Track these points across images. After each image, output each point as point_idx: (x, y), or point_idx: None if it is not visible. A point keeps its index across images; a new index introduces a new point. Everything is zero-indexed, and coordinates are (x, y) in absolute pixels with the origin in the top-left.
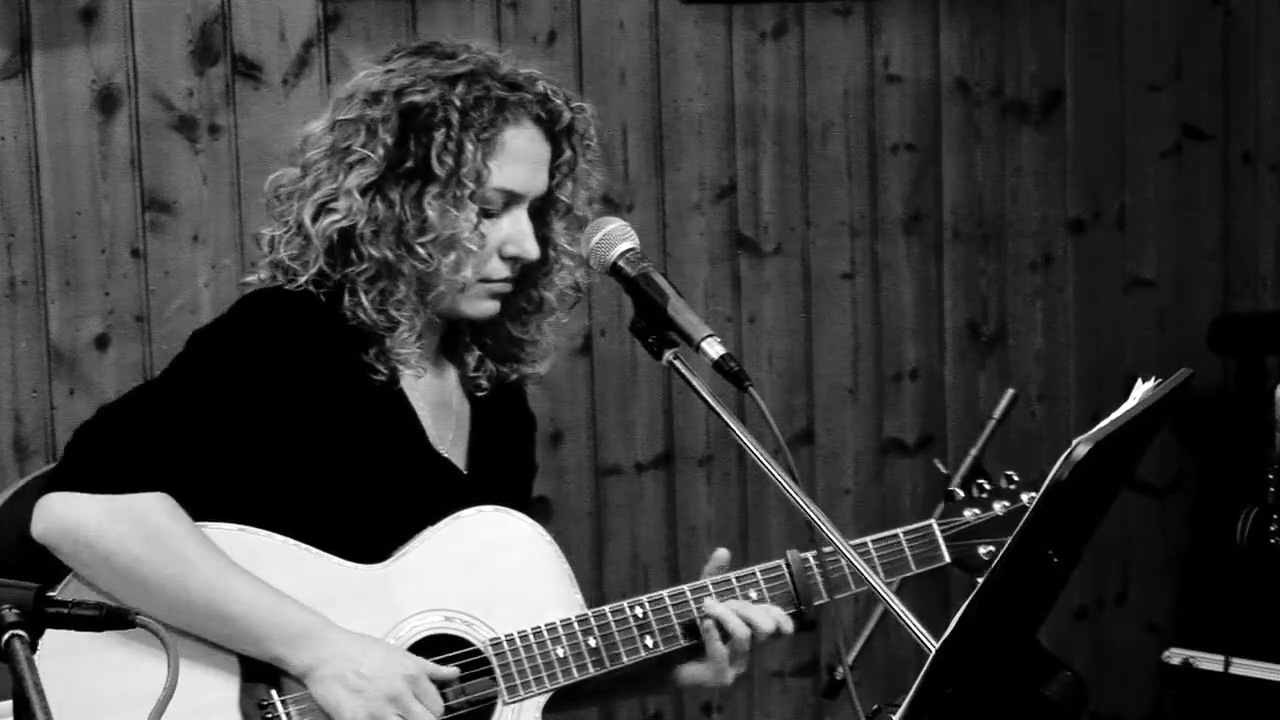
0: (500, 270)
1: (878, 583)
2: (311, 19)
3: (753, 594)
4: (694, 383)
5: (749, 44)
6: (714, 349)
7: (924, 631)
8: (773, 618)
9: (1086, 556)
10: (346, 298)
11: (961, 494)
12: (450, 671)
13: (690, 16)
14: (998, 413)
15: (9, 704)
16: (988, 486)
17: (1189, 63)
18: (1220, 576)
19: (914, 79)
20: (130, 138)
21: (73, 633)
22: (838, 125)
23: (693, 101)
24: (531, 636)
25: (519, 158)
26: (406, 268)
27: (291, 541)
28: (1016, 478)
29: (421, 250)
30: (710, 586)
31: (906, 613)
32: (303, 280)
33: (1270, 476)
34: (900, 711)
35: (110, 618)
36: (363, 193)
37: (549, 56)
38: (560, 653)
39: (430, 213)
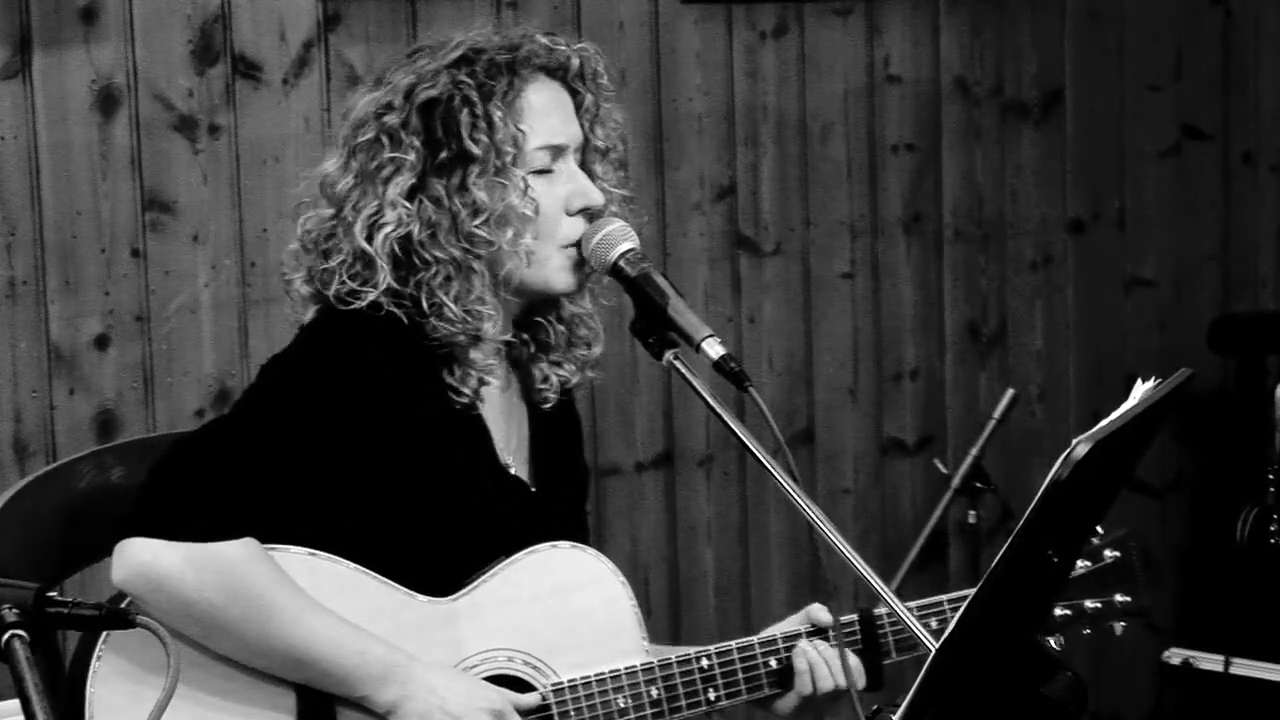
0: (577, 229)
1: (876, 581)
2: (311, 19)
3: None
4: (694, 383)
5: (749, 44)
6: (714, 349)
7: (924, 631)
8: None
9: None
10: (426, 305)
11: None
12: (532, 699)
13: (690, 16)
14: (998, 413)
15: (10, 704)
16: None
17: (1189, 63)
18: (1220, 576)
19: (914, 79)
20: (130, 138)
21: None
22: (838, 125)
23: (693, 101)
24: (594, 684)
25: (547, 111)
26: (475, 261)
27: (361, 570)
28: (1098, 534)
29: (480, 233)
30: (780, 640)
31: (907, 612)
32: (374, 297)
33: (1270, 476)
34: (900, 711)
35: (110, 617)
36: (407, 198)
37: None
38: (621, 703)
39: (479, 193)
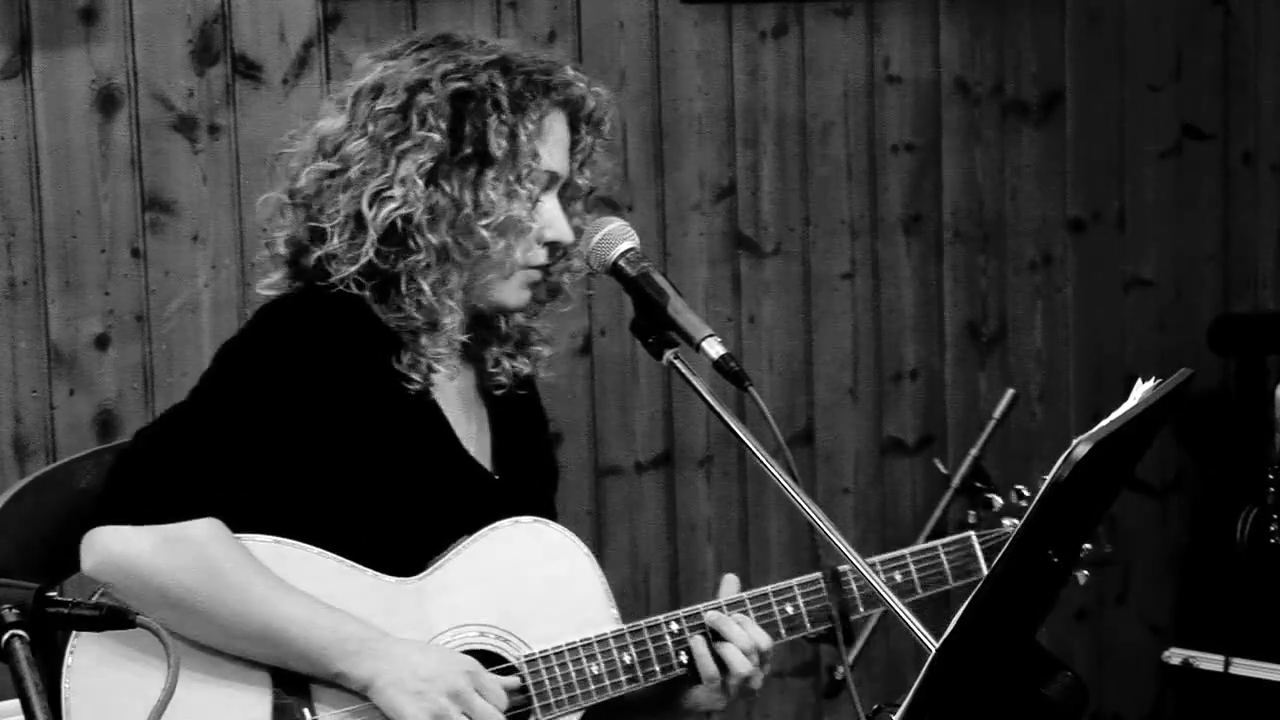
0: (540, 256)
1: (877, 581)
2: (311, 19)
3: (789, 609)
4: (694, 383)
5: (749, 44)
6: (714, 349)
7: (924, 631)
8: (751, 638)
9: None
10: (403, 286)
11: (1000, 501)
12: (511, 681)
13: (690, 16)
14: (998, 413)
15: (10, 704)
16: (1026, 493)
17: (1189, 63)
18: (1220, 576)
19: (914, 79)
20: (130, 138)
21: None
22: (838, 125)
23: (693, 101)
24: (566, 653)
25: (558, 141)
26: (459, 255)
27: (326, 554)
28: None
29: (481, 234)
30: (747, 602)
31: (906, 612)
32: (346, 274)
33: (1270, 476)
34: (900, 711)
35: (110, 617)
36: (420, 179)
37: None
38: (595, 669)
39: (491, 195)
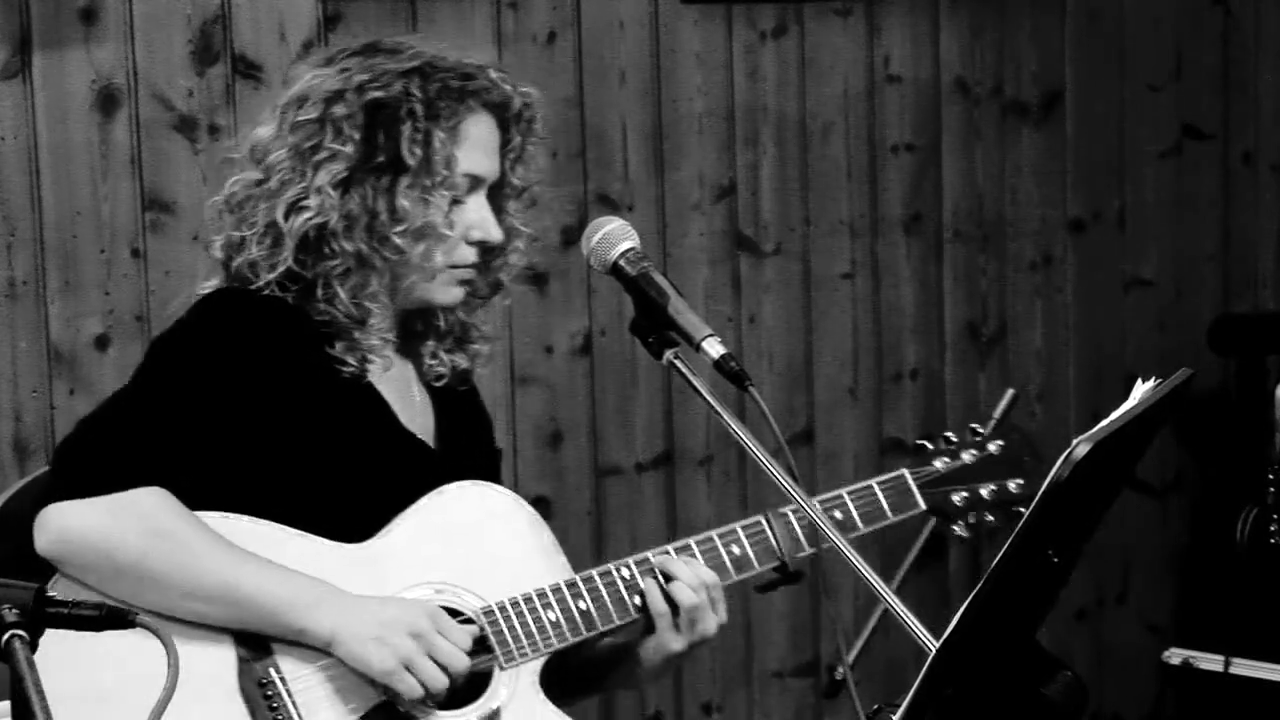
0: (468, 256)
1: (877, 582)
2: (311, 19)
3: (735, 550)
4: (694, 383)
5: (749, 44)
6: (714, 349)
7: (924, 631)
8: (697, 575)
9: (1086, 556)
10: (320, 292)
11: (930, 446)
12: (471, 629)
13: (690, 16)
14: (998, 413)
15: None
16: (954, 439)
17: (1189, 63)
18: (1220, 576)
19: (914, 79)
20: (130, 138)
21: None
22: (838, 125)
23: (693, 101)
24: (523, 603)
25: (479, 144)
26: (378, 260)
27: (276, 525)
28: (981, 430)
29: (396, 240)
30: (694, 545)
31: (906, 612)
32: (269, 280)
33: (1270, 476)
34: (900, 711)
35: (110, 618)
36: (334, 189)
37: (549, 56)
38: (552, 617)
39: (404, 202)
